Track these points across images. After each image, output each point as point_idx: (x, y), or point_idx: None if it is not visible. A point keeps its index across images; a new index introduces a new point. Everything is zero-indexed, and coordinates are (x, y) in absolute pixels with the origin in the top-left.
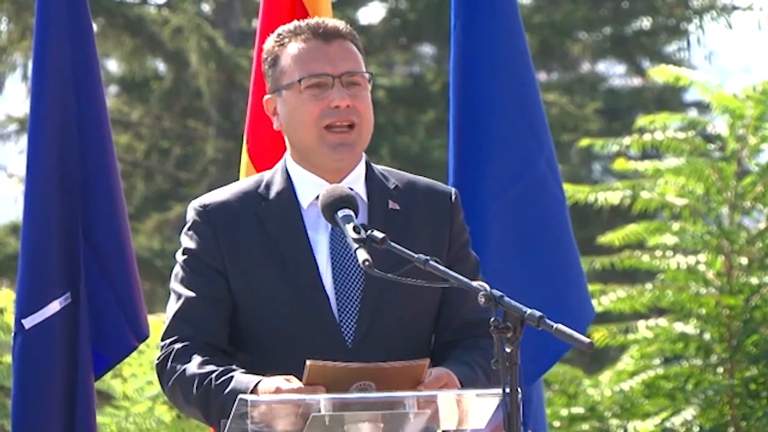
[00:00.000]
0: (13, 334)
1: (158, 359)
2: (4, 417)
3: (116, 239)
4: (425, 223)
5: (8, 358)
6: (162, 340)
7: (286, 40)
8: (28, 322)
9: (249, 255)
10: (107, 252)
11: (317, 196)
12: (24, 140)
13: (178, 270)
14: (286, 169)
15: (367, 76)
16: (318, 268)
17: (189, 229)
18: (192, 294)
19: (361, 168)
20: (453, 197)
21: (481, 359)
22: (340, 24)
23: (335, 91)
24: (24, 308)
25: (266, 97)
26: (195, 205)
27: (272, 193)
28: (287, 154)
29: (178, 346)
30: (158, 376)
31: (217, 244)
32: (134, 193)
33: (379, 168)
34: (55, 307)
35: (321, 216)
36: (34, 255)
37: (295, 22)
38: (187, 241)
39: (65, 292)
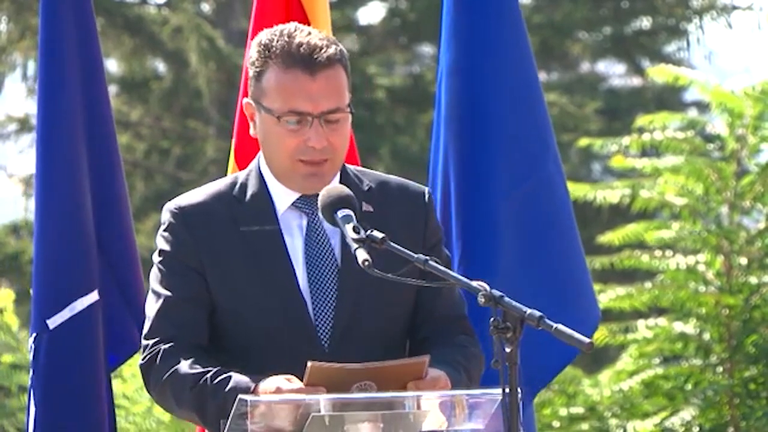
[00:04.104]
0: (34, 335)
1: (143, 360)
2: (4, 417)
3: (122, 237)
4: (399, 223)
5: (8, 358)
6: (145, 340)
7: (272, 60)
8: (53, 323)
9: (226, 257)
10: (114, 250)
11: (292, 203)
12: (23, 140)
13: (155, 272)
14: (261, 173)
15: (347, 109)
16: (294, 272)
17: (165, 231)
18: (172, 294)
19: (335, 174)
20: (426, 197)
21: (462, 359)
22: (331, 50)
23: (313, 132)
24: (47, 308)
25: (246, 100)
26: (170, 206)
27: (247, 196)
28: (261, 157)
29: (164, 346)
30: (144, 376)
31: (194, 245)
32: (134, 193)
33: (352, 169)
34: (79, 305)
35: (295, 220)
36: (53, 254)
37: (286, 37)
38: (164, 243)
39: (91, 290)
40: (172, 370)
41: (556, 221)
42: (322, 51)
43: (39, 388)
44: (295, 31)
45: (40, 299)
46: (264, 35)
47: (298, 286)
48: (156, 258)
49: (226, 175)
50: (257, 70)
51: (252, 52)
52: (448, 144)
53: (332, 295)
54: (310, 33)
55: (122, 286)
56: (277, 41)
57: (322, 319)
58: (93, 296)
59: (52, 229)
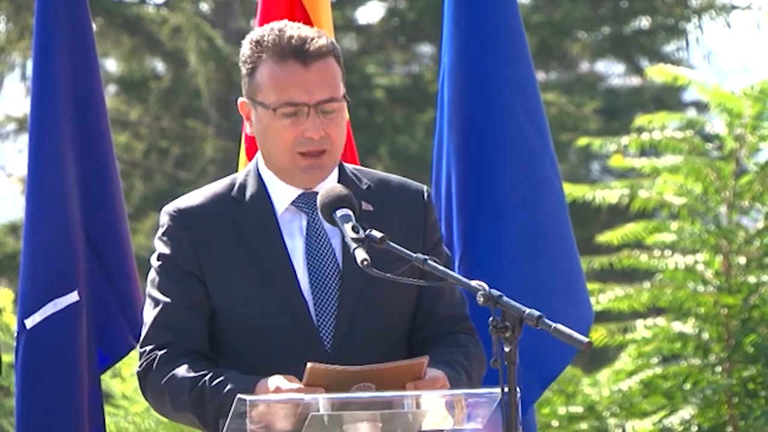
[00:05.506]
0: (16, 334)
1: (140, 367)
2: (3, 416)
3: (116, 238)
4: (399, 222)
5: (7, 358)
6: (141, 347)
7: (265, 54)
8: (30, 322)
9: (225, 260)
10: (107, 251)
11: (292, 201)
12: (22, 140)
13: (154, 276)
14: (259, 173)
15: (342, 99)
16: (295, 273)
17: (164, 235)
18: (170, 300)
19: (333, 172)
20: (425, 195)
21: (462, 358)
22: (322, 41)
23: (310, 122)
24: (26, 308)
25: (241, 99)
26: (169, 209)
27: (246, 197)
28: (259, 157)
29: (160, 352)
30: (140, 383)
31: (193, 248)
32: (133, 192)
33: (350, 167)
34: (57, 305)
35: (295, 220)
36: (35, 254)
37: (277, 31)
38: (162, 247)
39: (71, 290)
40: (170, 375)
41: (553, 221)
42: (314, 41)
43: (18, 387)
44: (285, 26)
45: (22, 299)
46: (255, 33)
47: (300, 287)
48: (154, 262)
49: (225, 174)
50: (250, 66)
51: (244, 50)
52: (450, 143)
53: (334, 296)
54: (300, 27)
55: (115, 286)
56: (268, 36)
57: (324, 321)
58: (72, 297)
59: (37, 229)
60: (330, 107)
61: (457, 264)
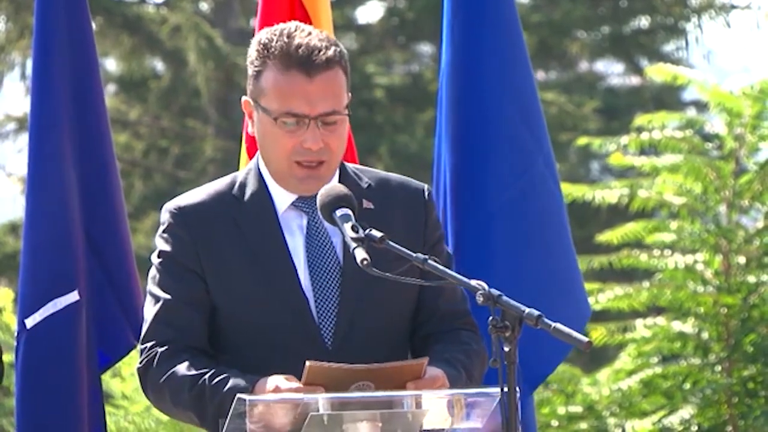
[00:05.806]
0: (16, 334)
1: (141, 363)
2: (4, 416)
3: (116, 238)
4: (400, 220)
5: (7, 358)
6: (142, 343)
7: (270, 60)
8: (30, 322)
9: (226, 257)
10: (107, 250)
11: (292, 202)
12: (22, 139)
13: (154, 273)
14: (260, 172)
15: (345, 111)
16: (296, 271)
17: (164, 232)
18: (171, 297)
19: (332, 176)
20: (426, 193)
21: (463, 356)
22: (330, 52)
23: (310, 133)
24: (26, 308)
25: (245, 98)
26: (170, 207)
27: (247, 196)
28: (260, 157)
29: (161, 349)
30: (141, 380)
31: (194, 246)
32: (133, 192)
33: (351, 167)
34: (57, 305)
35: (295, 219)
36: (35, 254)
37: (285, 38)
38: (163, 244)
39: (71, 290)
40: (170, 372)
41: (547, 220)
42: (321, 53)
43: (18, 387)
44: (295, 31)
45: (22, 298)
46: (264, 34)
47: (300, 285)
48: (155, 259)
49: (224, 174)
50: (256, 69)
51: (251, 50)
52: (446, 142)
53: (334, 294)
54: (310, 33)
55: (115, 285)
56: (277, 41)
57: (324, 319)
58: (72, 296)
59: (37, 228)
60: (331, 119)
61: None
